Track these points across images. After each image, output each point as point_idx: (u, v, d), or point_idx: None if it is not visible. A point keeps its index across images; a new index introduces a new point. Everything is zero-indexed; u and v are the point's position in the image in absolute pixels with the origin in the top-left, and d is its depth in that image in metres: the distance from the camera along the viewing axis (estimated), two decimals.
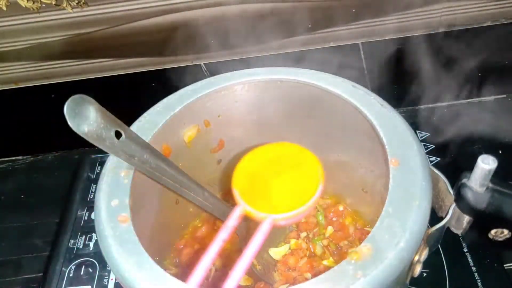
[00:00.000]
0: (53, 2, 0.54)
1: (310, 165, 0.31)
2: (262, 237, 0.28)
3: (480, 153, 0.31)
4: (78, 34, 0.58)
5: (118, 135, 0.30)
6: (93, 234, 0.56)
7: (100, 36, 0.59)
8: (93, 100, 0.27)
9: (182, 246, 0.47)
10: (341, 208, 0.50)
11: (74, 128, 0.26)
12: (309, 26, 0.60)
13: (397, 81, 0.68)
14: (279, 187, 0.31)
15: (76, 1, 0.55)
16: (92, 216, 0.58)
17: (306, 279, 0.37)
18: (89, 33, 0.58)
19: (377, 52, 0.63)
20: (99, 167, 0.65)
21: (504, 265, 0.50)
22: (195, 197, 0.38)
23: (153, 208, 0.41)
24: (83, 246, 0.55)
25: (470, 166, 0.32)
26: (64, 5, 0.55)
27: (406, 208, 0.31)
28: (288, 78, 0.43)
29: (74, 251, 0.55)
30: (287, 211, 0.29)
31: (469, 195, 0.33)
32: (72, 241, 0.56)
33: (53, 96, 0.65)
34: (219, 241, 0.28)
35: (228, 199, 0.51)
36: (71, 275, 0.53)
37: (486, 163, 0.31)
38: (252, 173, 0.31)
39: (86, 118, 0.27)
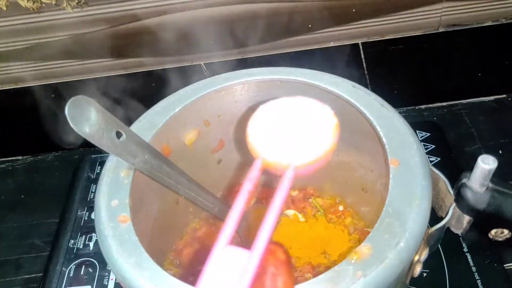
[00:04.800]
0: (53, 2, 0.54)
1: (324, 116, 0.30)
2: (288, 184, 0.27)
3: (480, 153, 0.31)
4: (78, 34, 0.58)
5: (118, 135, 0.30)
6: (93, 234, 0.56)
7: (100, 36, 0.59)
8: (93, 101, 0.28)
9: (182, 246, 0.47)
10: (341, 208, 0.50)
11: (76, 129, 0.26)
12: (309, 26, 0.60)
13: (397, 81, 0.68)
14: (295, 137, 0.30)
15: (76, 1, 0.55)
16: (92, 216, 0.58)
17: (307, 280, 0.37)
18: (89, 33, 0.58)
19: (377, 52, 0.63)
20: (99, 167, 0.65)
21: (504, 265, 0.50)
22: (196, 197, 0.38)
23: (153, 208, 0.42)
24: (83, 246, 0.55)
25: (470, 166, 0.32)
26: (64, 5, 0.55)
27: (406, 208, 0.31)
28: (288, 78, 0.43)
29: (74, 251, 0.55)
30: (307, 159, 0.29)
31: (469, 195, 0.33)
32: (72, 241, 0.56)
33: (53, 96, 0.65)
34: (244, 192, 0.25)
35: (228, 199, 0.51)
36: (71, 275, 0.53)
37: (486, 163, 0.31)
38: (267, 125, 0.31)
39: (87, 119, 0.27)
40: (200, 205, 0.39)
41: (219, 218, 0.43)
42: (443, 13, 0.60)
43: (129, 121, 0.41)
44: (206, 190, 0.40)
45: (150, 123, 0.40)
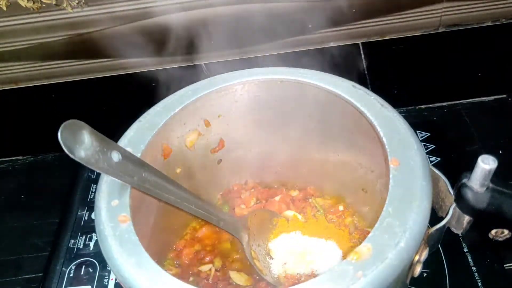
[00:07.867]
0: (53, 2, 0.54)
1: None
2: None
3: (480, 153, 0.31)
4: (78, 34, 0.58)
5: (114, 156, 0.30)
6: (93, 234, 0.56)
7: (100, 36, 0.59)
8: (85, 124, 0.27)
9: (182, 246, 0.47)
10: (341, 208, 0.50)
11: (71, 155, 0.25)
12: (309, 26, 0.60)
13: (397, 81, 0.68)
14: None
15: (76, 1, 0.55)
16: (92, 216, 0.58)
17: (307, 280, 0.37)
18: (89, 33, 0.58)
19: (377, 52, 0.63)
20: None
21: (504, 265, 0.50)
22: (197, 210, 0.38)
23: (153, 208, 0.41)
24: (83, 246, 0.55)
25: (470, 166, 0.32)
26: (64, 5, 0.55)
27: (406, 208, 0.31)
28: (288, 78, 0.43)
29: (74, 251, 0.55)
30: None
31: (469, 195, 0.33)
32: (72, 241, 0.56)
33: (53, 96, 0.65)
34: None
35: (228, 199, 0.51)
36: (71, 275, 0.53)
37: (486, 163, 0.31)
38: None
39: (81, 144, 0.26)
40: (202, 217, 0.39)
41: (221, 228, 0.43)
42: (443, 13, 0.60)
43: (129, 122, 0.41)
44: (207, 202, 0.40)
45: (150, 123, 0.40)
